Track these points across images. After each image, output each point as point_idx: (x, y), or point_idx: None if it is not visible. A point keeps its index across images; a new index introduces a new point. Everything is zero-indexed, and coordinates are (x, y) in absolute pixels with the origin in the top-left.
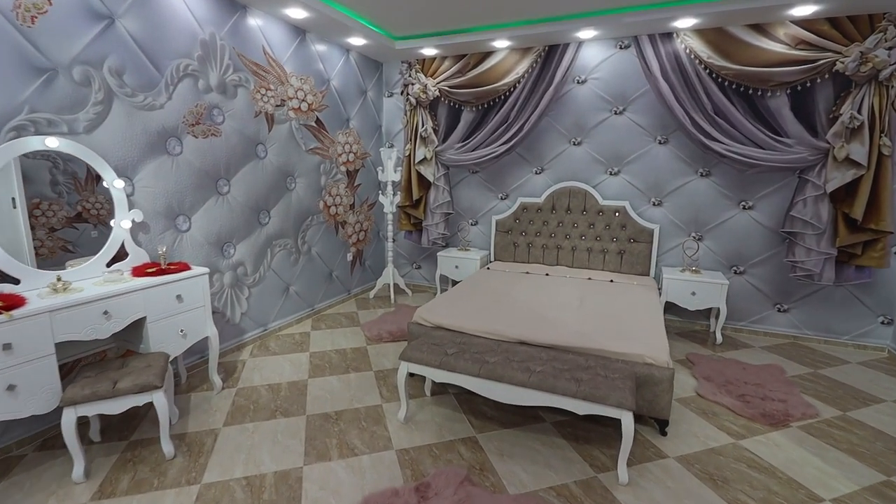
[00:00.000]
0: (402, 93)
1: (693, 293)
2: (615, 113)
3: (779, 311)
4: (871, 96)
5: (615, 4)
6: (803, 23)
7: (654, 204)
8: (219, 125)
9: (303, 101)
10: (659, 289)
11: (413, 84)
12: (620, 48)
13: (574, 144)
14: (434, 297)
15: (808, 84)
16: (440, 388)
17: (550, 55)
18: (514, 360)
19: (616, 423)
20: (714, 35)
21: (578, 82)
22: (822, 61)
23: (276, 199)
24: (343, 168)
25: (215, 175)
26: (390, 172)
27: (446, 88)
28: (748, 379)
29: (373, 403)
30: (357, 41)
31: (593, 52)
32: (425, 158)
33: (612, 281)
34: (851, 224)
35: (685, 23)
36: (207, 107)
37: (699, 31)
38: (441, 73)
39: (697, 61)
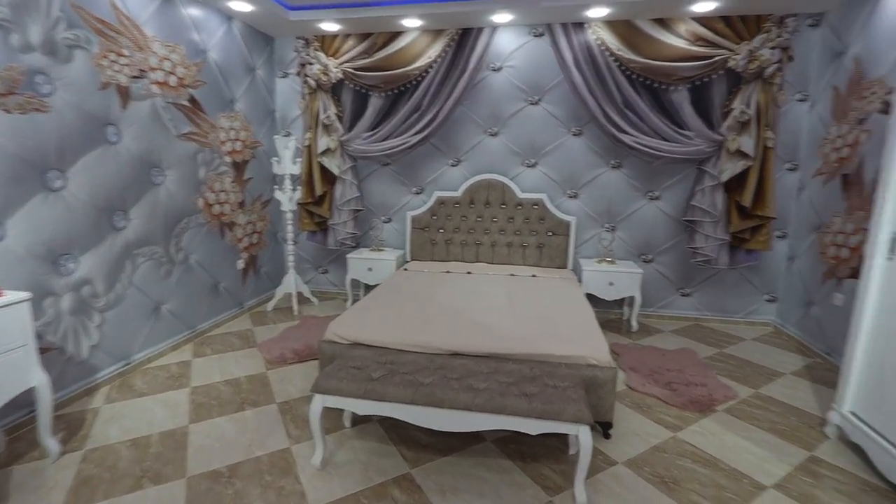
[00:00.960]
0: (298, 73)
1: (611, 283)
2: (531, 103)
3: (682, 295)
4: (757, 92)
5: None
6: (701, 20)
7: (569, 196)
8: (45, 97)
9: (170, 73)
10: (579, 281)
11: (311, 64)
12: (535, 36)
13: (490, 135)
14: (345, 304)
15: (706, 79)
16: (363, 417)
17: (464, 39)
18: (452, 377)
19: (563, 434)
20: (623, 28)
21: (493, 70)
22: (717, 58)
23: (136, 197)
24: (228, 159)
25: (41, 164)
26: (288, 164)
27: (351, 70)
28: (669, 365)
29: (278, 447)
30: (241, 6)
31: (508, 38)
32: (329, 149)
33: (534, 276)
34: (742, 211)
35: (598, 12)
36: (26, 72)
37: (609, 24)
38: (345, 53)
39: (608, 53)
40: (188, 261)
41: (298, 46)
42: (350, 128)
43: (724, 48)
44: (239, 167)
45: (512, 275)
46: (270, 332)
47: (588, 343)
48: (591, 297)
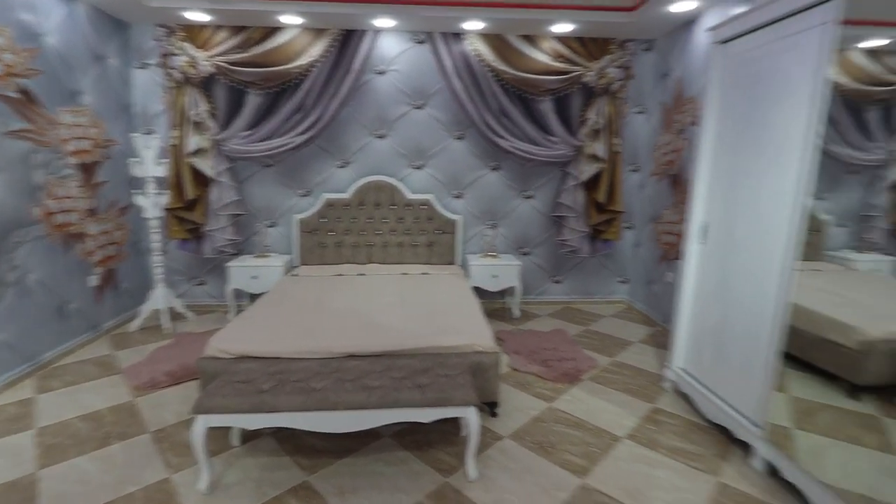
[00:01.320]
0: (159, 64)
1: (495, 276)
2: (416, 107)
3: (555, 282)
4: (606, 105)
5: None
6: (561, 39)
7: (455, 196)
8: None
9: None
10: (467, 275)
11: (176, 55)
12: (417, 43)
13: (378, 137)
14: (227, 316)
15: (567, 92)
16: (253, 432)
17: (348, 41)
18: (346, 379)
19: (451, 418)
20: (496, 41)
21: (378, 73)
22: (574, 73)
23: None
24: (74, 160)
25: None
26: (151, 165)
27: (225, 65)
28: (545, 345)
29: (156, 479)
30: None
31: (391, 43)
32: (202, 149)
33: (425, 273)
34: (598, 207)
35: (473, 25)
36: None
37: (484, 36)
38: (216, 45)
39: (484, 64)
40: (24, 281)
41: (159, 35)
42: (225, 126)
43: (579, 65)
44: (88, 169)
45: (404, 274)
46: (137, 355)
47: (474, 332)
48: (478, 290)
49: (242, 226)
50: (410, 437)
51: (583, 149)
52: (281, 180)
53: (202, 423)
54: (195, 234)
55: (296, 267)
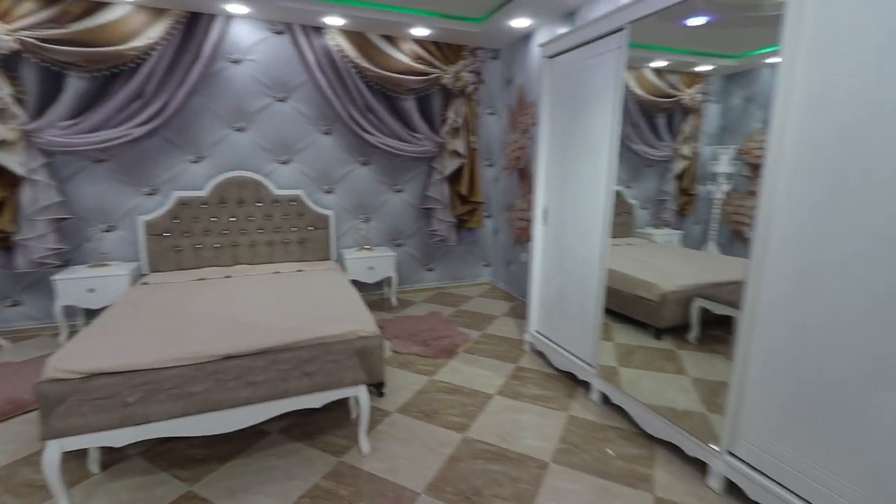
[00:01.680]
0: None
1: (371, 268)
2: (278, 100)
3: (427, 270)
4: (463, 105)
5: None
6: (420, 42)
7: (325, 191)
8: None
9: None
10: (343, 269)
11: None
12: (275, 33)
13: (237, 130)
14: (58, 339)
15: (428, 92)
16: (116, 455)
17: (195, 24)
18: (227, 379)
19: (340, 404)
20: (358, 38)
21: (233, 61)
22: (432, 75)
23: None
24: None
25: None
26: None
27: (34, 41)
28: (423, 327)
29: None
30: None
31: (246, 30)
32: (6, 141)
33: (300, 270)
34: (461, 198)
35: (334, 20)
36: None
37: (346, 33)
38: (21, 17)
39: (347, 60)
40: None
41: None
42: (38, 114)
43: (437, 68)
44: None
45: (276, 272)
46: None
47: (356, 320)
48: (356, 283)
49: (68, 232)
50: (299, 429)
51: (445, 145)
52: (118, 177)
53: (55, 449)
54: (3, 244)
55: (145, 275)
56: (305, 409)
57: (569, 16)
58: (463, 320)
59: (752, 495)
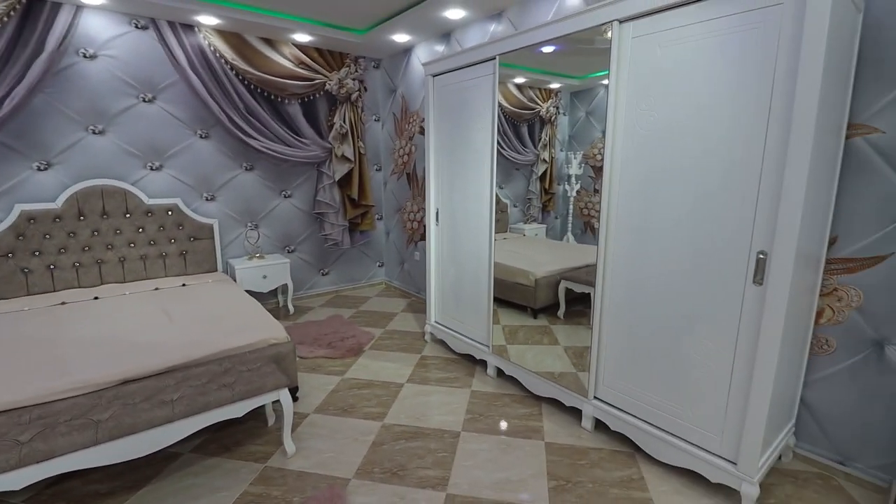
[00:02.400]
0: None
1: (264, 276)
2: (144, 100)
3: (322, 274)
4: (349, 112)
5: None
6: (301, 47)
7: (206, 199)
8: None
9: None
10: (234, 280)
11: None
12: (138, 28)
13: (95, 133)
14: None
15: (313, 97)
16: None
17: (34, 12)
18: (136, 402)
19: (254, 415)
20: (235, 39)
21: (86, 56)
22: (316, 80)
23: None
24: None
25: None
26: None
27: None
28: (325, 331)
29: None
30: None
31: (101, 23)
32: None
33: (184, 284)
34: (353, 202)
35: (207, 20)
36: None
37: (221, 33)
38: None
39: (223, 61)
40: None
41: None
42: None
43: (321, 74)
44: None
45: (157, 289)
46: None
47: (263, 327)
48: (248, 293)
49: None
50: (214, 444)
51: (333, 150)
52: None
53: None
54: None
55: None
56: (217, 425)
57: (444, 35)
58: (364, 320)
59: (613, 427)
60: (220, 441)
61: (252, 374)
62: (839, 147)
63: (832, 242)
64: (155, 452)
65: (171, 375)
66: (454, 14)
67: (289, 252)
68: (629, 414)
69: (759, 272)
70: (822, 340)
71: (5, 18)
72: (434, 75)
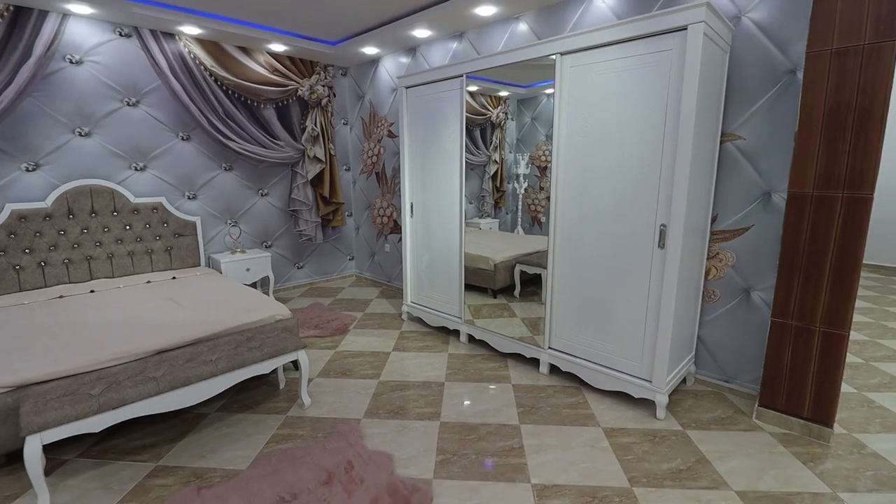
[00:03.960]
0: None
1: (248, 269)
2: (129, 104)
3: (298, 268)
4: (320, 116)
5: None
6: (275, 55)
7: (189, 197)
8: None
9: None
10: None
11: None
12: (121, 35)
13: (82, 135)
14: None
15: (286, 102)
16: (54, 462)
17: (22, 19)
18: (179, 363)
19: (264, 382)
20: (213, 47)
21: (73, 62)
22: (289, 86)
23: None
24: None
25: None
26: None
27: None
28: (311, 315)
29: None
30: None
31: (85, 30)
32: None
33: (174, 278)
34: (325, 200)
35: (189, 29)
36: None
37: (200, 41)
38: None
39: (203, 67)
40: None
41: None
42: None
43: (293, 80)
44: None
45: (149, 282)
46: None
47: (269, 307)
48: None
49: None
50: (237, 405)
51: (306, 152)
52: None
53: (36, 442)
54: None
55: None
56: (235, 389)
57: (410, 50)
58: (343, 306)
59: (564, 368)
60: (240, 402)
61: (273, 340)
62: (715, 150)
63: (714, 219)
64: (185, 413)
65: (203, 344)
66: (421, 33)
67: (266, 247)
68: (575, 357)
69: (662, 239)
70: (710, 291)
71: None
72: (408, 87)
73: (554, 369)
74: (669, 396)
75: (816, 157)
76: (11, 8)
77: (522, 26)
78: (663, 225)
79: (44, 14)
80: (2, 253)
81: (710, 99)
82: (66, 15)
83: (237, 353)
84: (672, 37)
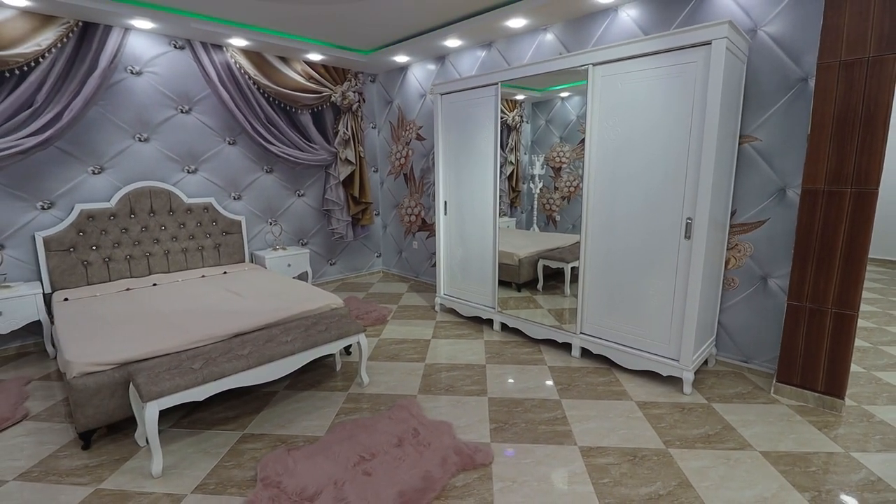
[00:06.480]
0: None
1: (289, 265)
2: (182, 112)
3: (330, 264)
4: (351, 120)
5: (174, 3)
6: (311, 64)
7: (234, 198)
8: None
9: None
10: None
11: None
12: (175, 47)
13: (141, 141)
14: None
15: (321, 108)
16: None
17: (89, 34)
18: (260, 344)
19: (321, 365)
20: (256, 57)
21: (133, 73)
22: (324, 93)
23: None
24: None
25: None
26: None
27: None
28: (352, 308)
29: (84, 495)
30: None
31: (144, 43)
32: None
33: (225, 272)
34: (355, 200)
35: (237, 42)
36: None
37: (244, 51)
38: None
39: (247, 76)
40: None
41: None
42: None
43: (327, 87)
44: None
45: (203, 276)
46: None
47: (323, 298)
48: None
49: None
50: (301, 384)
51: (338, 154)
52: (7, 191)
53: (155, 408)
54: None
55: (49, 293)
56: (297, 370)
57: (439, 58)
58: (377, 299)
59: (595, 351)
60: (304, 381)
61: (337, 324)
62: (735, 150)
63: (733, 213)
64: (257, 390)
65: (275, 328)
66: (452, 43)
67: (302, 244)
68: (606, 340)
69: (688, 231)
70: (730, 280)
71: (65, 39)
72: (442, 94)
73: (585, 352)
74: (693, 375)
75: (827, 156)
76: (80, 24)
77: (550, 37)
78: (689, 218)
79: (108, 29)
80: (72, 249)
81: (729, 104)
82: (127, 29)
83: (308, 335)
84: (697, 50)
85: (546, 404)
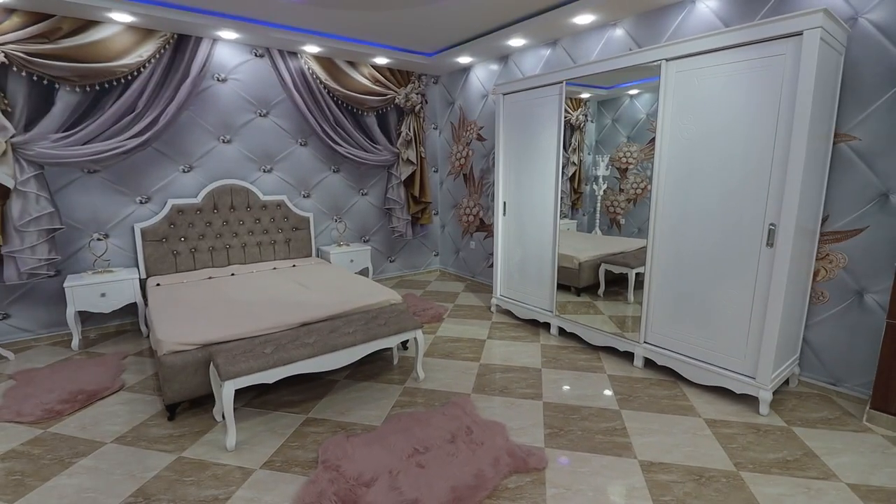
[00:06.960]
0: None
1: (351, 260)
2: (260, 115)
3: (390, 261)
4: (413, 121)
5: (256, 15)
6: (377, 67)
7: (304, 196)
8: None
9: None
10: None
11: None
12: (256, 56)
13: (224, 142)
14: (73, 345)
15: (385, 110)
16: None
17: (182, 45)
18: (325, 334)
19: (379, 358)
20: (327, 62)
21: (219, 80)
22: (388, 95)
23: None
24: None
25: None
26: None
27: (21, 56)
28: (409, 305)
29: (164, 465)
30: None
31: (229, 52)
32: None
33: (294, 266)
34: (415, 199)
35: (311, 48)
36: None
37: (316, 57)
38: (7, 31)
39: (318, 81)
40: None
41: None
42: (28, 127)
43: (392, 89)
44: None
45: (274, 268)
46: None
47: (383, 293)
48: None
49: (60, 242)
50: (360, 375)
51: (400, 155)
52: (111, 187)
53: (231, 387)
54: None
55: (144, 279)
56: (357, 362)
57: (502, 58)
58: (433, 298)
59: (659, 362)
60: (363, 373)
61: (396, 319)
62: (828, 150)
63: (825, 220)
64: (319, 378)
65: (338, 320)
66: (516, 42)
67: (364, 241)
68: (672, 351)
69: (771, 238)
70: (819, 293)
71: (162, 51)
72: (504, 94)
73: (648, 363)
74: (772, 395)
75: None
76: (175, 36)
77: (619, 32)
78: (772, 224)
79: (199, 40)
80: (164, 240)
81: (823, 100)
82: (215, 40)
83: (369, 328)
84: (785, 42)
85: (604, 413)
